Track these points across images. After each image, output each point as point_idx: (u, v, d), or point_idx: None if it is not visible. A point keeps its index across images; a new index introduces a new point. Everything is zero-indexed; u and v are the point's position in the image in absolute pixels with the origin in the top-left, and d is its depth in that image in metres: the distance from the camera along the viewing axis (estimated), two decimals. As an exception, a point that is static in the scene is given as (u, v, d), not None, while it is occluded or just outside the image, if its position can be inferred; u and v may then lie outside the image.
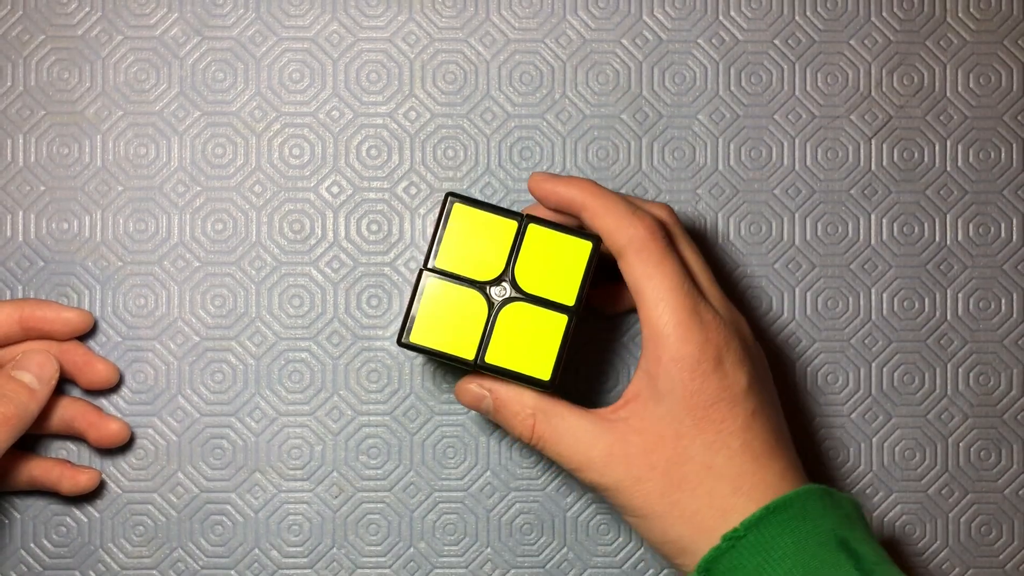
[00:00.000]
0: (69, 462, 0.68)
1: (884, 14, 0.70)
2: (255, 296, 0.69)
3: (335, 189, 0.69)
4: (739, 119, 0.70)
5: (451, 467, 0.69)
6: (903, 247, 0.70)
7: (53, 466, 0.67)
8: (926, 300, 0.70)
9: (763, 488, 0.60)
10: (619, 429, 0.61)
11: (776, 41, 0.70)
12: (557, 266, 0.62)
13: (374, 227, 0.69)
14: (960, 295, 0.70)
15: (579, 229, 0.63)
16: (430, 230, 0.69)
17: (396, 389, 0.69)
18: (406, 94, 0.69)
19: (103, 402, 0.68)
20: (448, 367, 0.69)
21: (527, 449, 0.69)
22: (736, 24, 0.70)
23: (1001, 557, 0.69)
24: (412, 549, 0.69)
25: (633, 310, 0.69)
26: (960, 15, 0.70)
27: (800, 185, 0.70)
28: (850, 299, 0.70)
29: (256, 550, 0.69)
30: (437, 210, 0.68)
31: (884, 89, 0.70)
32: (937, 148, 0.70)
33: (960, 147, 0.70)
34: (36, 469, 0.67)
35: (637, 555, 0.69)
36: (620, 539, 0.69)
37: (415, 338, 0.62)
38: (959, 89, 0.70)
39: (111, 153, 0.69)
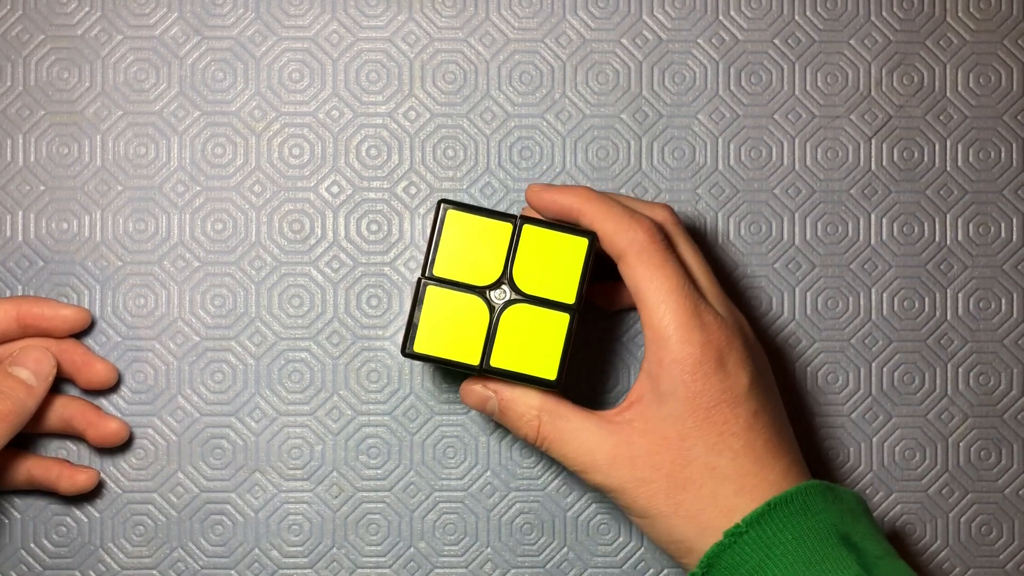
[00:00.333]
0: (68, 461, 0.67)
1: (884, 14, 0.70)
2: (255, 296, 0.69)
3: (335, 189, 0.69)
4: (739, 119, 0.70)
5: (451, 467, 0.69)
6: (903, 247, 0.70)
7: (52, 465, 0.67)
8: (926, 300, 0.70)
9: (765, 487, 0.60)
10: (623, 431, 0.62)
11: (776, 41, 0.70)
12: (555, 265, 0.63)
13: (374, 227, 0.69)
14: (960, 295, 0.70)
15: (574, 226, 0.63)
16: (429, 230, 0.69)
17: (396, 389, 0.69)
18: (406, 94, 0.69)
19: (103, 402, 0.68)
20: (452, 372, 0.69)
21: (528, 449, 0.69)
22: (736, 24, 0.70)
23: (1001, 557, 0.69)
24: (412, 549, 0.69)
25: (633, 307, 0.69)
26: (960, 15, 0.70)
27: (800, 185, 0.70)
28: (850, 299, 0.70)
29: (256, 550, 0.68)
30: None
31: (884, 89, 0.70)
32: (937, 148, 0.70)
33: (960, 147, 0.70)
34: (35, 468, 0.67)
35: (637, 555, 0.69)
36: (620, 539, 0.69)
37: (419, 348, 0.62)
38: (959, 89, 0.70)
39: (111, 153, 0.69)
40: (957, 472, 0.70)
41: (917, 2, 0.70)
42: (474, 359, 0.62)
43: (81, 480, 0.67)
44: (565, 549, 0.69)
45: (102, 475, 0.68)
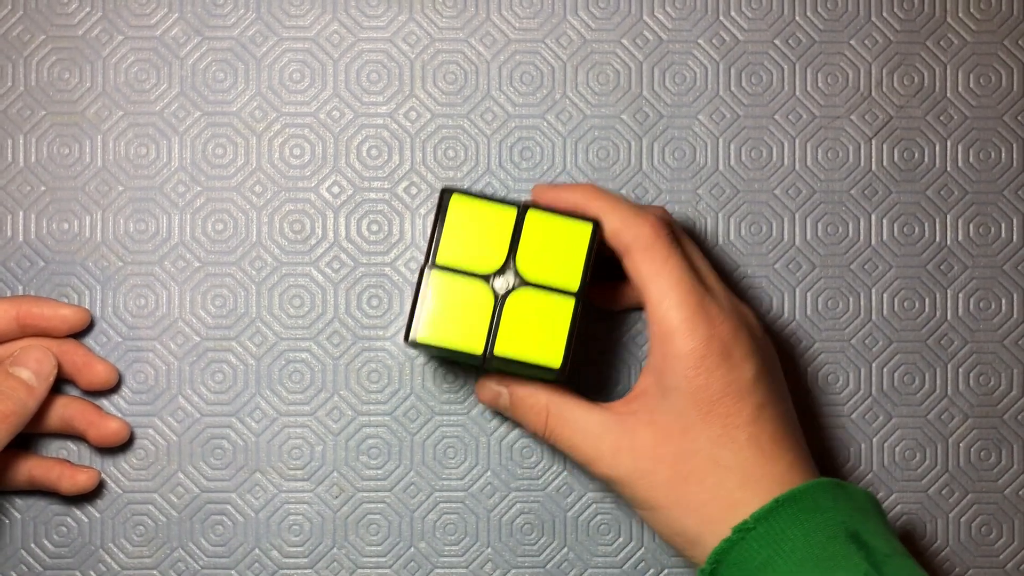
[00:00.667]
0: (69, 462, 0.67)
1: (884, 14, 0.70)
2: (255, 296, 0.69)
3: (335, 189, 0.69)
4: (739, 119, 0.70)
5: (451, 467, 0.69)
6: (903, 247, 0.70)
7: (53, 465, 0.67)
8: (926, 300, 0.70)
9: (769, 481, 0.61)
10: (628, 423, 0.62)
11: (776, 41, 0.70)
12: (559, 251, 0.62)
13: (374, 227, 0.69)
14: (960, 295, 0.70)
15: (578, 212, 0.63)
16: (430, 230, 0.69)
17: (396, 389, 0.69)
18: (406, 94, 0.69)
19: (103, 402, 0.68)
20: (452, 365, 0.69)
21: (528, 449, 0.69)
22: (736, 24, 0.70)
23: (1001, 557, 0.69)
24: (412, 549, 0.69)
25: (638, 307, 0.69)
26: (960, 15, 0.70)
27: (800, 185, 0.70)
28: (850, 299, 0.70)
29: (256, 550, 0.69)
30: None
31: (884, 89, 0.70)
32: (937, 148, 0.70)
33: (960, 147, 0.70)
34: (36, 468, 0.67)
35: (637, 555, 0.69)
36: (620, 539, 0.69)
37: (422, 336, 0.62)
38: (959, 89, 0.70)
39: (111, 153, 0.69)
40: (957, 472, 0.70)
41: (917, 2, 0.70)
42: (478, 348, 0.62)
43: (82, 480, 0.67)
44: (565, 549, 0.69)
45: (103, 475, 0.68)
